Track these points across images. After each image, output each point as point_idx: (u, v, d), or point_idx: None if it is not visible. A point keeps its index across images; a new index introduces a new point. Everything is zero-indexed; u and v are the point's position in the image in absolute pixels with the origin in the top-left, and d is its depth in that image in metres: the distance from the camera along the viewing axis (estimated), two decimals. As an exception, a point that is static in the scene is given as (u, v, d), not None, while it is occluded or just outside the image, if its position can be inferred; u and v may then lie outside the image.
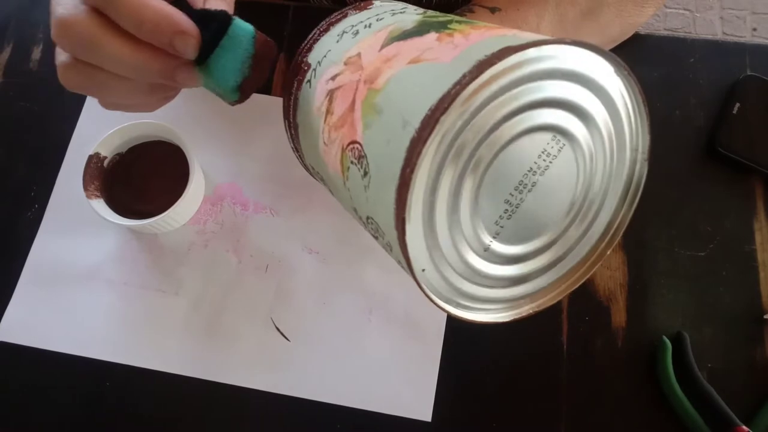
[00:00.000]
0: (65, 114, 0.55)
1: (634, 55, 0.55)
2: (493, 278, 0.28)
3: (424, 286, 0.25)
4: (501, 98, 0.23)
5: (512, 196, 0.25)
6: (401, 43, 0.26)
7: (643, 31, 0.56)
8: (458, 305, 0.27)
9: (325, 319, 0.48)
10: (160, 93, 0.32)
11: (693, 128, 0.53)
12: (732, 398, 0.44)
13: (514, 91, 0.24)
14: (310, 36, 0.33)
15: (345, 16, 0.33)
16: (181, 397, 0.47)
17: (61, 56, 0.29)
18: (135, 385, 0.47)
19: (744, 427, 0.43)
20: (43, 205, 0.52)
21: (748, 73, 0.54)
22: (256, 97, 0.54)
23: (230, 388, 0.47)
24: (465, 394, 0.46)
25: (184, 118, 0.54)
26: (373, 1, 0.34)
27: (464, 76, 0.21)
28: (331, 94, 0.29)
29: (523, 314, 0.29)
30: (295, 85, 0.33)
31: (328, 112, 0.29)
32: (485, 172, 0.24)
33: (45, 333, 0.48)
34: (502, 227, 0.26)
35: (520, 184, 0.25)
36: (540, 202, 0.26)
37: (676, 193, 0.51)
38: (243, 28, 0.29)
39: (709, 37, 1.57)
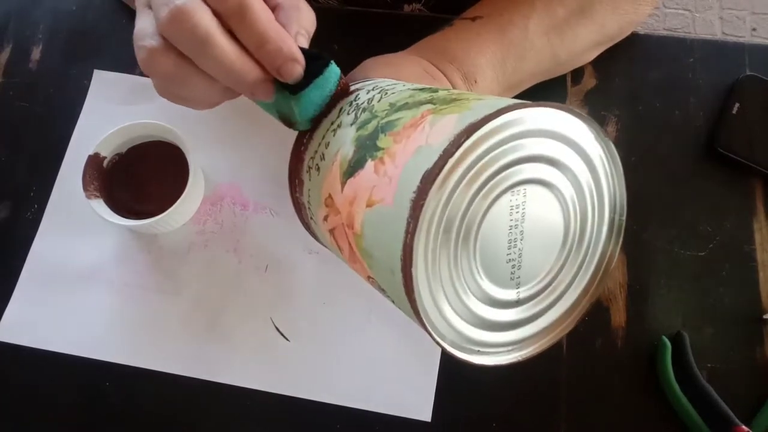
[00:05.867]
0: (65, 114, 0.55)
1: (634, 55, 0.55)
2: (518, 320, 0.29)
3: (473, 361, 0.28)
4: (451, 202, 0.25)
5: (510, 252, 0.27)
6: (352, 180, 0.29)
7: (642, 31, 0.56)
8: (479, 353, 0.29)
9: (325, 319, 0.48)
10: (228, 97, 0.32)
11: (693, 128, 0.53)
12: (732, 398, 0.44)
13: (457, 191, 0.25)
14: (291, 175, 0.36)
15: (302, 146, 0.34)
16: (181, 397, 0.47)
17: (150, 40, 0.29)
18: (135, 385, 0.47)
19: (743, 427, 0.43)
20: (42, 205, 0.52)
21: (748, 73, 0.54)
22: (256, 97, 0.55)
23: (230, 388, 0.47)
24: (465, 394, 0.46)
25: (184, 118, 0.54)
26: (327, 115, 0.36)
27: (409, 223, 0.24)
28: (332, 234, 0.32)
29: (536, 351, 0.30)
30: (302, 217, 0.36)
31: (339, 248, 0.32)
32: (476, 258, 0.26)
33: (45, 333, 0.48)
34: (518, 277, 0.28)
35: (511, 242, 0.27)
36: (536, 241, 0.28)
37: (676, 193, 0.51)
38: (334, 71, 0.32)
39: (709, 37, 1.57)
